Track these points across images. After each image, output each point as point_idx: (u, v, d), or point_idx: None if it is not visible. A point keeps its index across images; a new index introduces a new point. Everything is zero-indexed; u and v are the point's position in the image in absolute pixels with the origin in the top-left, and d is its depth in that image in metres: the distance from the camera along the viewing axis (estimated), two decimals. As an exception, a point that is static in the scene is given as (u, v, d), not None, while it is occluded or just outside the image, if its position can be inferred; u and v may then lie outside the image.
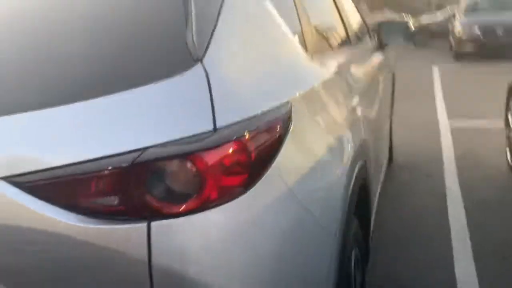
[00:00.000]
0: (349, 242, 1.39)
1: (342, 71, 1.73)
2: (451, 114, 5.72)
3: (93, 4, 1.13)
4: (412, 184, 3.70)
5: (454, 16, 13.19)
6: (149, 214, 0.85)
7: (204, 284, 0.87)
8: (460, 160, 4.13)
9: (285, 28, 1.35)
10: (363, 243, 1.75)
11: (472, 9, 11.97)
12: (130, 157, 0.83)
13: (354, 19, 2.92)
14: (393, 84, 4.02)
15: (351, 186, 1.37)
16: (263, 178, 0.96)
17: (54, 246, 0.85)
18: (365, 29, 3.18)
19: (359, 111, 1.70)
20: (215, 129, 0.89)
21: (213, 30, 1.03)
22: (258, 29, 1.22)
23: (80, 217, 0.84)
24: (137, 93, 0.89)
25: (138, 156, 0.83)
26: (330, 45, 1.97)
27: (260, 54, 1.16)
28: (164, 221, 0.85)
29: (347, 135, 1.44)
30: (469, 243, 2.71)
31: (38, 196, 0.84)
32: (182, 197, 0.86)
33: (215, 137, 0.88)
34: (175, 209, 0.86)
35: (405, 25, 3.27)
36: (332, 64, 1.68)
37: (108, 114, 0.88)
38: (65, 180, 0.84)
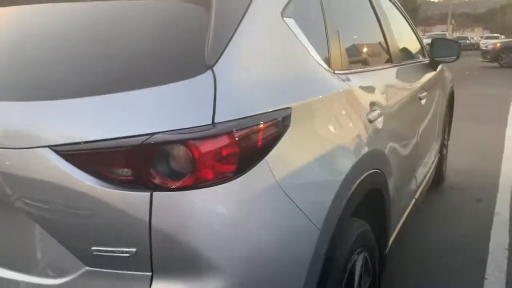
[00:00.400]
0: (345, 241, 1.52)
1: (365, 86, 1.86)
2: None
3: (129, 19, 1.39)
4: (459, 205, 3.67)
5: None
6: (152, 185, 1.07)
7: (189, 244, 1.08)
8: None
9: (304, 44, 1.53)
10: (375, 247, 1.86)
11: None
12: (141, 139, 1.06)
13: (403, 37, 3.01)
14: (450, 104, 4.00)
15: (352, 190, 1.51)
16: (253, 169, 1.15)
17: (79, 200, 1.10)
18: (418, 47, 3.24)
19: (378, 125, 1.82)
20: (213, 123, 1.10)
21: (228, 43, 1.24)
22: (273, 44, 1.41)
23: (100, 181, 1.08)
24: (154, 90, 1.12)
25: (147, 139, 1.06)
26: (362, 61, 2.10)
27: (270, 66, 1.36)
28: (164, 193, 1.08)
29: (350, 144, 1.58)
30: (505, 268, 2.68)
31: (71, 162, 1.09)
32: (179, 175, 1.08)
33: (211, 130, 1.09)
34: (173, 184, 1.08)
35: (455, 43, 3.30)
36: (356, 78, 1.82)
37: (130, 105, 1.12)
38: (92, 151, 1.09)
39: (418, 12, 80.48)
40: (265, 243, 1.19)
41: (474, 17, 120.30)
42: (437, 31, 55.51)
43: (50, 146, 1.11)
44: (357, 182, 1.55)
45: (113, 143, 1.08)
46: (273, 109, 1.23)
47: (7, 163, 1.17)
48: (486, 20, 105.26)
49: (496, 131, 6.14)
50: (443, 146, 3.98)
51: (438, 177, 3.91)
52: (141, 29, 1.35)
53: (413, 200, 2.69)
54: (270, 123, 1.20)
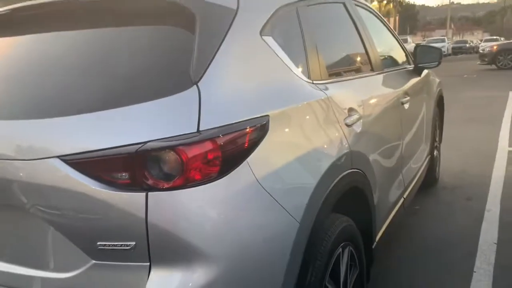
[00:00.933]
0: (328, 235, 1.67)
1: (344, 93, 2.03)
2: (512, 142, 5.64)
3: (123, 44, 1.58)
4: (452, 204, 3.81)
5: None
6: (147, 187, 1.25)
7: (180, 236, 1.25)
8: (508, 184, 4.14)
9: (282, 59, 1.71)
10: (360, 242, 2.01)
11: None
12: (136, 147, 1.24)
13: (385, 46, 3.19)
14: (439, 108, 4.15)
15: (330, 187, 1.67)
16: (236, 169, 1.32)
17: (86, 202, 1.27)
18: (401, 55, 3.42)
19: (356, 128, 1.99)
20: (198, 131, 1.27)
21: (211, 61, 1.42)
22: (253, 60, 1.59)
23: (102, 185, 1.26)
24: (146, 105, 1.30)
25: (141, 146, 1.24)
26: (342, 71, 2.27)
27: (250, 79, 1.54)
28: (157, 192, 1.25)
29: (327, 146, 1.74)
30: (493, 261, 2.81)
31: (77, 169, 1.27)
32: (170, 177, 1.25)
33: (196, 137, 1.26)
34: (165, 185, 1.25)
35: (436, 49, 3.47)
36: (335, 87, 1.99)
37: (125, 118, 1.30)
38: (95, 159, 1.26)
39: (417, 18, 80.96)
40: (249, 234, 1.36)
41: (474, 21, 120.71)
42: (437, 35, 55.78)
43: (59, 156, 1.29)
44: (335, 180, 1.72)
45: (112, 151, 1.25)
46: (252, 117, 1.40)
47: (21, 173, 1.35)
48: (486, 23, 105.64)
49: (491, 132, 6.29)
50: (435, 148, 4.13)
51: (430, 178, 4.06)
52: (134, 52, 1.54)
53: (402, 200, 2.83)
54: (249, 129, 1.37)
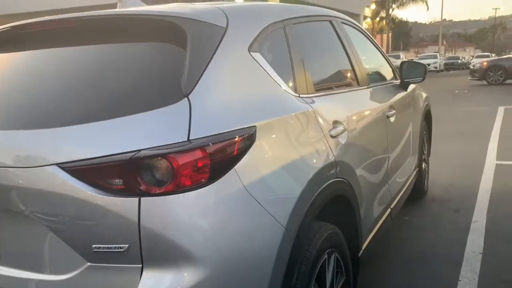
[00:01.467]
0: (313, 241, 1.75)
1: (329, 106, 2.13)
2: (501, 156, 5.75)
3: (120, 61, 1.68)
4: (440, 215, 3.90)
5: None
6: (140, 192, 1.33)
7: (171, 239, 1.33)
8: (495, 196, 4.24)
9: (269, 74, 1.81)
10: (346, 249, 2.09)
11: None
12: (129, 155, 1.32)
13: (372, 62, 3.31)
14: (427, 122, 4.26)
15: (314, 195, 1.76)
16: (224, 177, 1.41)
17: (82, 207, 1.35)
18: (388, 70, 3.53)
19: (341, 140, 2.09)
20: (188, 140, 1.36)
21: (201, 75, 1.52)
22: (241, 75, 1.70)
23: (98, 190, 1.34)
24: (140, 116, 1.39)
25: (134, 154, 1.32)
26: (328, 85, 2.38)
27: (238, 93, 1.64)
28: (149, 198, 1.33)
29: (311, 155, 1.83)
30: (478, 271, 2.89)
31: (75, 176, 1.35)
32: (162, 183, 1.33)
33: (186, 145, 1.35)
34: (156, 190, 1.33)
35: (421, 65, 3.60)
36: (321, 100, 2.09)
37: (121, 128, 1.38)
38: (91, 167, 1.34)
39: (410, 35, 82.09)
40: (237, 238, 1.44)
41: (465, 37, 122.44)
42: (429, 52, 56.52)
43: (57, 164, 1.37)
44: (320, 189, 1.80)
45: (107, 159, 1.33)
46: (240, 127, 1.49)
47: (20, 180, 1.43)
48: (477, 39, 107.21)
49: (479, 145, 6.42)
50: (423, 161, 4.23)
51: (419, 190, 4.15)
52: (130, 67, 1.64)
53: (389, 210, 2.92)
54: (237, 138, 1.46)
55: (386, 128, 2.85)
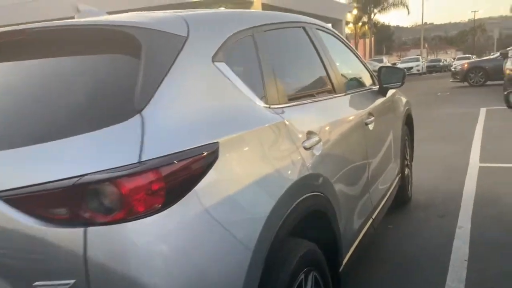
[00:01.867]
0: (287, 261, 1.64)
1: (302, 116, 2.03)
2: (484, 158, 5.71)
3: (65, 74, 1.55)
4: (424, 221, 3.82)
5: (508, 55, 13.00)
6: (85, 221, 1.20)
7: (123, 272, 1.19)
8: (479, 200, 4.18)
9: (236, 85, 1.70)
10: (325, 267, 1.98)
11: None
12: (73, 180, 1.19)
13: (348, 68, 3.22)
14: (408, 127, 4.19)
15: (287, 212, 1.64)
16: (183, 199, 1.28)
17: (21, 240, 1.22)
18: (366, 76, 3.45)
19: (316, 151, 1.98)
20: (139, 162, 1.23)
21: (157, 88, 1.40)
22: (203, 87, 1.57)
23: (38, 221, 1.20)
24: (86, 136, 1.27)
25: (78, 180, 1.19)
26: (301, 95, 2.27)
27: (200, 106, 1.51)
28: (97, 227, 1.20)
29: (283, 170, 1.71)
30: (464, 278, 2.81)
31: (12, 205, 1.22)
32: (110, 210, 1.20)
33: (136, 168, 1.22)
34: (104, 219, 1.20)
35: (400, 70, 3.53)
36: (293, 111, 1.98)
37: (64, 150, 1.25)
38: (29, 195, 1.21)
39: (393, 38, 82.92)
40: (199, 267, 1.31)
41: (447, 40, 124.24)
42: (412, 55, 57.08)
43: None
44: (293, 205, 1.69)
45: (48, 186, 1.20)
46: (199, 145, 1.37)
47: None
48: (458, 42, 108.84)
49: (462, 147, 6.38)
50: (406, 167, 4.15)
51: (403, 197, 4.07)
52: (76, 82, 1.51)
53: (370, 220, 2.82)
54: (196, 157, 1.34)
55: (365, 135, 2.75)
